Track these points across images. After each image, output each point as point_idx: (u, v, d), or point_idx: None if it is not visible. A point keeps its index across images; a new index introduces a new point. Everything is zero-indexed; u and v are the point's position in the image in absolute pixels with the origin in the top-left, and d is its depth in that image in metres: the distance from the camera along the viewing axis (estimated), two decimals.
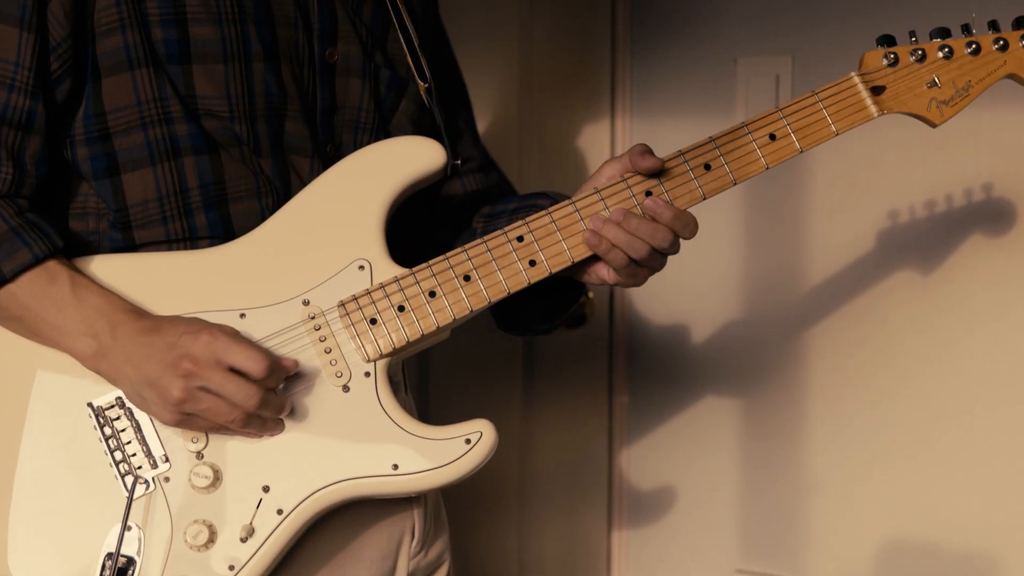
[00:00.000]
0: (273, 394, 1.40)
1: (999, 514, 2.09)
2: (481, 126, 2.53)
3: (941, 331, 2.12)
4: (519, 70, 2.43)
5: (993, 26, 1.52)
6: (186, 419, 1.40)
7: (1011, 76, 1.53)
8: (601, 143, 2.38)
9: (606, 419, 2.43)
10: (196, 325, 1.39)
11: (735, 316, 2.31)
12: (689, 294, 2.33)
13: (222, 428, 1.41)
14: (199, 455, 1.42)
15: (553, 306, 1.63)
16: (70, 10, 1.42)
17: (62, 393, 1.43)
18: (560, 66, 2.41)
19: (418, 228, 1.65)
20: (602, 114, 2.37)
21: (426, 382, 2.53)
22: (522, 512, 2.50)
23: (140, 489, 1.41)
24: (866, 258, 2.17)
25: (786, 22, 2.21)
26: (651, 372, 2.39)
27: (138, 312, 1.41)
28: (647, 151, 1.49)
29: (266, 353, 1.39)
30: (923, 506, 2.15)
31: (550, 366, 2.46)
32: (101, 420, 1.42)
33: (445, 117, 1.65)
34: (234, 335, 1.39)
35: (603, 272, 1.52)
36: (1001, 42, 1.51)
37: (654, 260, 1.49)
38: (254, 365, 1.37)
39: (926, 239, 2.12)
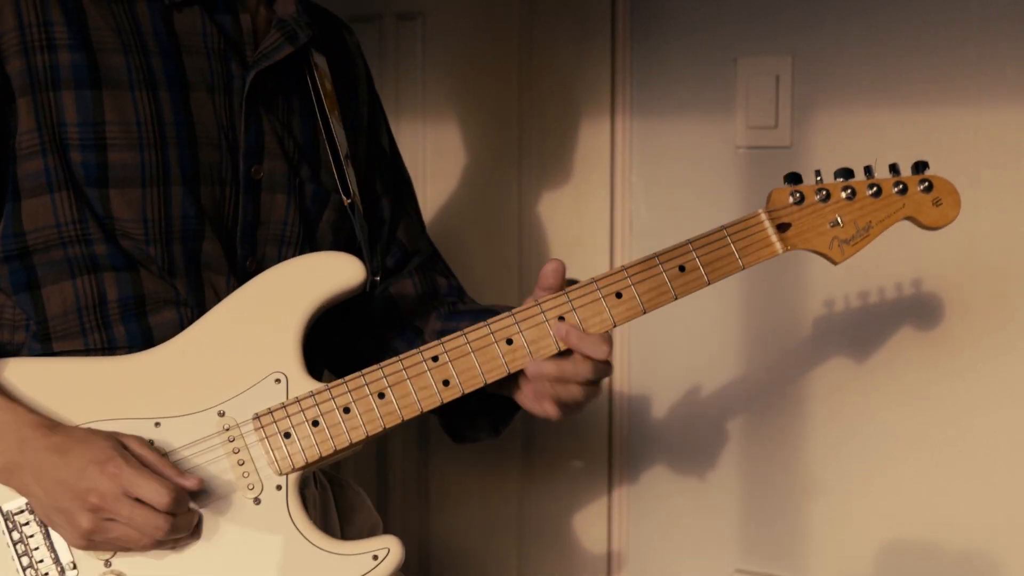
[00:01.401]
0: (182, 517, 1.42)
1: (999, 515, 2.09)
2: (481, 126, 2.54)
3: (941, 331, 2.12)
4: (519, 70, 2.42)
5: (894, 169, 1.58)
6: (93, 544, 1.42)
7: (909, 218, 1.59)
8: (601, 143, 2.38)
9: (607, 417, 2.43)
10: (104, 453, 1.40)
11: (735, 316, 2.30)
12: (689, 308, 2.32)
13: (133, 550, 1.43)
14: (107, 563, 1.44)
15: (499, 420, 1.67)
16: None
17: None
18: (560, 66, 2.41)
19: (365, 330, 1.68)
20: (602, 114, 2.37)
21: None
22: (522, 508, 2.50)
23: None
24: (865, 258, 2.17)
25: (786, 22, 2.20)
26: (651, 371, 2.39)
27: (47, 426, 1.42)
28: (557, 270, 1.52)
29: (170, 482, 1.41)
30: (923, 507, 2.15)
31: None
32: (10, 525, 1.44)
33: (371, 227, 1.67)
34: (139, 465, 1.41)
35: (526, 397, 1.56)
36: (901, 186, 1.57)
37: (589, 391, 1.54)
38: (159, 498, 1.39)
39: (926, 241, 2.12)
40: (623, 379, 2.42)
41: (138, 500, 1.39)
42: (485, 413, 1.65)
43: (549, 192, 2.43)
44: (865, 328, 2.19)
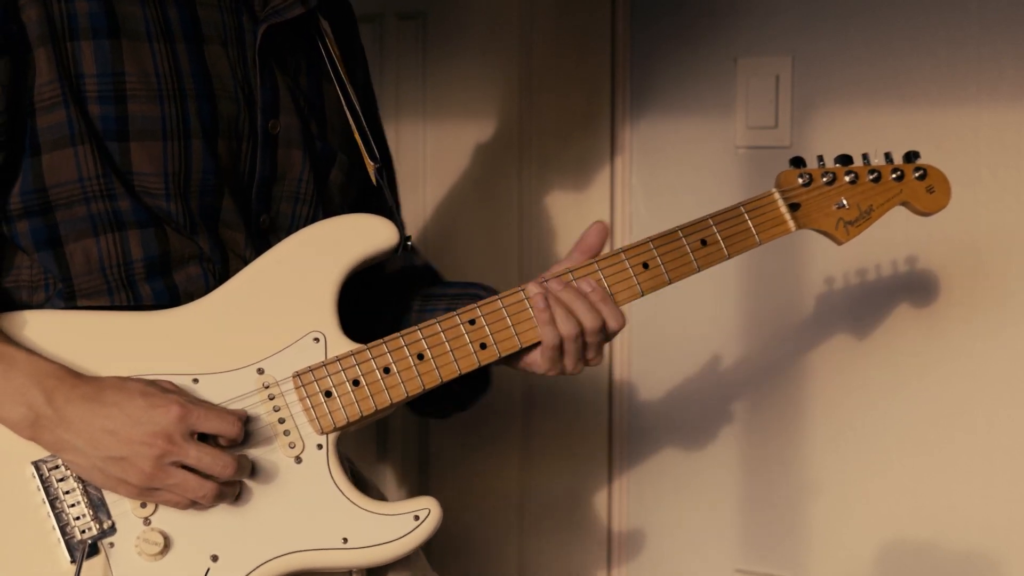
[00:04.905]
0: (244, 457, 1.41)
1: (999, 515, 2.09)
2: (481, 127, 2.54)
3: (942, 332, 2.12)
4: (519, 70, 2.43)
5: (888, 158, 1.66)
6: (150, 494, 1.39)
7: (905, 204, 1.68)
8: (601, 143, 2.38)
9: (606, 417, 2.43)
10: (160, 397, 1.37)
11: (736, 316, 2.30)
12: (690, 296, 2.32)
13: (189, 504, 1.40)
14: (147, 521, 1.41)
15: (473, 392, 1.67)
16: (8, 85, 1.40)
17: (2, 451, 1.40)
18: (560, 66, 2.41)
19: (357, 301, 1.66)
20: (602, 114, 2.37)
21: None
22: (522, 508, 2.50)
23: (85, 555, 1.38)
24: (867, 259, 2.17)
25: (786, 22, 2.21)
26: (652, 371, 2.39)
27: (73, 376, 1.38)
28: (601, 231, 1.57)
29: (231, 411, 1.40)
30: (923, 507, 2.15)
31: None
32: (45, 481, 1.40)
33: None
34: (197, 399, 1.40)
35: (532, 358, 1.57)
36: (898, 172, 1.66)
37: (578, 346, 1.54)
38: (229, 427, 1.39)
39: (927, 241, 2.12)
40: (623, 378, 2.42)
41: (202, 441, 1.37)
42: (464, 384, 1.63)
43: (549, 192, 2.43)
44: (865, 327, 2.19)
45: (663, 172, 2.34)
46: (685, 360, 2.35)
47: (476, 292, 1.65)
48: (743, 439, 2.31)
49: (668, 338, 2.36)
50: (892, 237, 2.14)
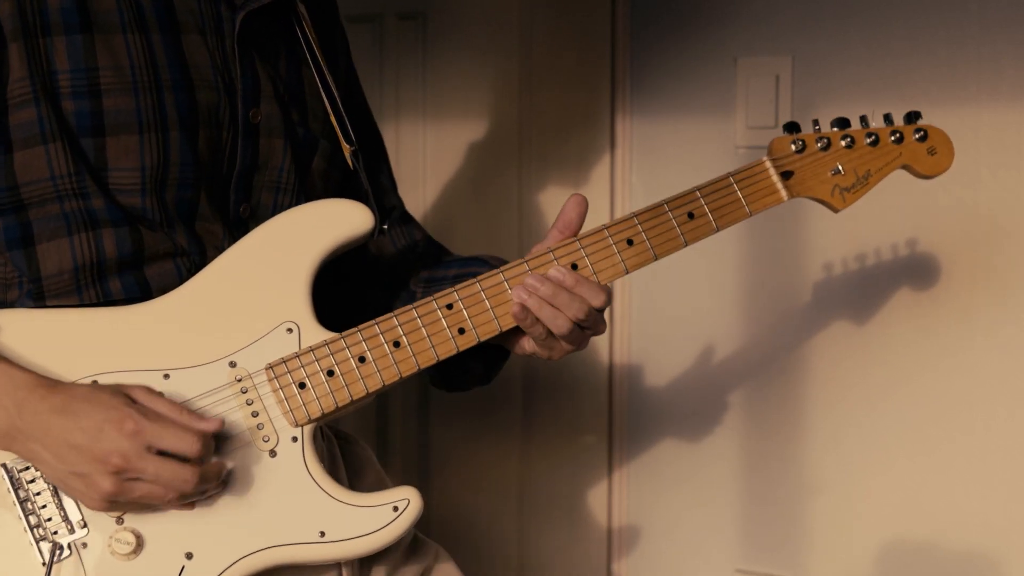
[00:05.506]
0: (208, 465, 1.38)
1: (999, 515, 2.09)
2: (481, 126, 2.54)
3: (942, 331, 2.12)
4: (519, 70, 2.43)
5: (888, 119, 1.59)
6: (118, 507, 1.37)
7: (905, 167, 1.60)
8: (601, 143, 2.38)
9: (606, 417, 2.43)
10: (117, 410, 1.34)
11: (736, 315, 2.30)
12: (690, 294, 2.33)
13: (158, 508, 1.38)
14: (119, 520, 1.39)
15: (491, 367, 1.64)
16: None
17: None
18: (560, 66, 2.41)
19: (347, 287, 1.64)
20: (602, 114, 2.37)
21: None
22: (522, 509, 2.50)
23: (57, 555, 1.36)
24: (867, 258, 2.18)
25: (786, 22, 2.21)
26: (651, 370, 2.39)
27: (46, 386, 1.36)
28: (580, 203, 1.53)
29: (195, 428, 1.36)
30: (924, 506, 2.15)
31: (550, 364, 2.46)
32: (15, 482, 1.38)
33: (368, 176, 1.63)
34: (156, 416, 1.36)
35: (524, 343, 1.54)
36: (897, 135, 1.58)
37: (573, 335, 1.50)
38: (187, 447, 1.34)
39: (926, 240, 2.12)
40: (623, 378, 2.42)
41: (162, 454, 1.33)
42: (478, 359, 1.61)
43: (549, 192, 2.43)
44: (865, 326, 2.19)
45: (663, 172, 2.34)
46: (686, 357, 2.35)
47: (476, 270, 1.58)
48: (743, 438, 2.31)
49: (668, 333, 2.36)
50: (893, 239, 2.14)
